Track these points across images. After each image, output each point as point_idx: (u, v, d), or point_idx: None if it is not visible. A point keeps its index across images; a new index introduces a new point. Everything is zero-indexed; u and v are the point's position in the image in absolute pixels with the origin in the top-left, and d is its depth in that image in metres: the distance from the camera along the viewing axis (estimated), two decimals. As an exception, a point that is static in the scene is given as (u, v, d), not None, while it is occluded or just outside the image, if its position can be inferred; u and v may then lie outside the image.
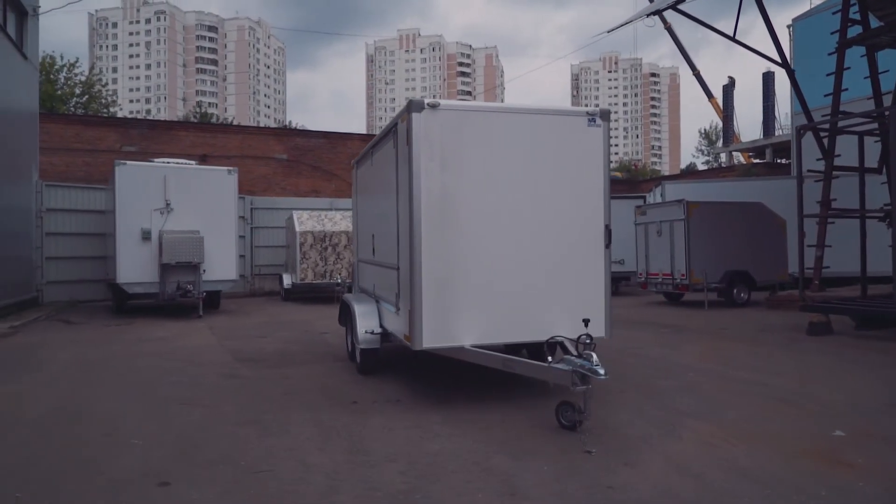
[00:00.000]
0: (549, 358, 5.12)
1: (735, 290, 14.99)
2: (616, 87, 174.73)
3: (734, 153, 49.13)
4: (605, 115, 6.01)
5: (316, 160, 28.59)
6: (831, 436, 4.93)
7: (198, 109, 56.94)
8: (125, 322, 12.81)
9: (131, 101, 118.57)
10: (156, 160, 14.90)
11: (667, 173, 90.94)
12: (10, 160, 14.98)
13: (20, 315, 13.97)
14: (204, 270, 13.71)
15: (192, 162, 15.56)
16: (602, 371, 4.70)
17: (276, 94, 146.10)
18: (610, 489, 3.88)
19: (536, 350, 6.17)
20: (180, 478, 4.03)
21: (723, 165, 48.91)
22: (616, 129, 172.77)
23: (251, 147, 27.21)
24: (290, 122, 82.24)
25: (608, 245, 6.03)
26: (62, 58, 40.74)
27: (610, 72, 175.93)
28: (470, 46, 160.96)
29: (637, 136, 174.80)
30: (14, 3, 15.12)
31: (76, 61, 41.01)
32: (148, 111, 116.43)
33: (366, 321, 7.02)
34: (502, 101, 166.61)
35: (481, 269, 5.71)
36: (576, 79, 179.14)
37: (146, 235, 13.49)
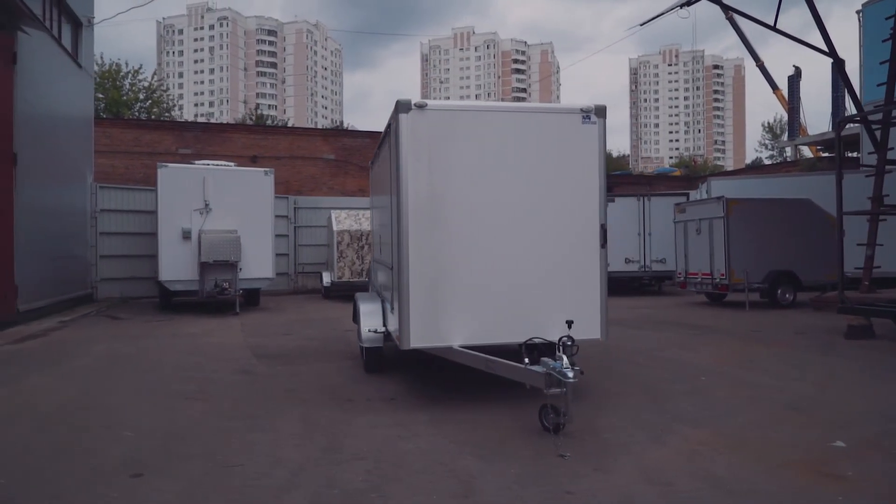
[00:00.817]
0: (526, 360, 5.04)
1: (779, 291, 14.33)
2: (676, 81, 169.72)
3: (800, 147, 46.90)
4: (601, 111, 5.87)
5: (363, 160, 28.95)
6: (830, 446, 4.67)
7: (253, 111, 58.75)
8: (166, 318, 13.39)
9: (196, 105, 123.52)
10: (196, 162, 15.48)
11: (731, 169, 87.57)
12: (67, 164, 15.88)
13: (74, 310, 14.81)
14: (240, 269, 14.16)
15: (232, 163, 16.06)
16: (571, 374, 4.59)
17: (332, 94, 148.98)
18: (569, 494, 3.81)
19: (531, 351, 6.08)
20: (155, 469, 4.20)
21: (787, 160, 46.79)
22: (677, 123, 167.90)
23: (300, 148, 27.85)
24: (342, 122, 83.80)
25: (604, 245, 5.90)
26: (127, 65, 42.86)
27: (670, 65, 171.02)
28: (525, 43, 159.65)
29: (699, 131, 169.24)
30: (69, 14, 16.01)
31: (140, 68, 42.99)
32: (211, 114, 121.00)
33: (370, 320, 7.10)
34: (558, 97, 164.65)
35: (471, 269, 5.68)
36: (634, 73, 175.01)
37: (186, 235, 14.04)
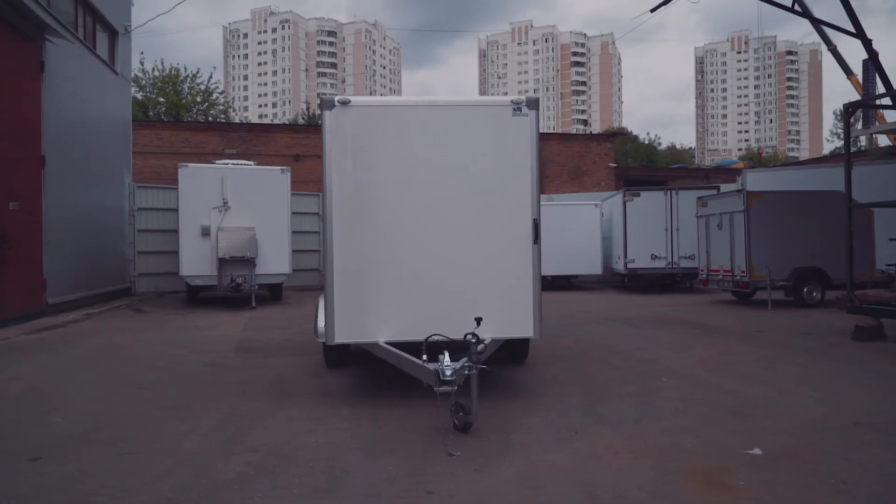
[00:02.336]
0: (424, 357, 4.98)
1: (805, 289, 13.53)
2: (746, 69, 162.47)
3: (876, 135, 44.01)
4: (533, 103, 5.73)
5: None
6: (745, 454, 4.41)
7: (305, 111, 60.25)
8: (185, 312, 13.96)
9: (260, 106, 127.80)
10: (217, 162, 16.04)
11: (806, 159, 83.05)
12: (105, 165, 16.81)
13: (107, 304, 15.68)
14: (255, 265, 14.60)
15: (251, 163, 16.55)
16: (449, 373, 4.52)
17: (391, 93, 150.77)
18: (428, 494, 3.76)
19: (459, 348, 5.99)
20: (55, 454, 4.42)
21: (861, 149, 44.01)
22: (746, 113, 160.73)
23: None
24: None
25: (537, 240, 5.75)
26: (185, 69, 44.77)
27: (739, 52, 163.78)
28: (584, 35, 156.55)
29: (770, 122, 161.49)
30: (104, 23, 16.90)
31: (197, 72, 44.80)
32: (275, 115, 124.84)
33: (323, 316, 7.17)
34: (619, 89, 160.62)
35: (397, 265, 5.67)
36: (700, 62, 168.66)
37: (205, 232, 14.60)
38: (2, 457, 4.40)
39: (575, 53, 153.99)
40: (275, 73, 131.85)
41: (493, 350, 5.90)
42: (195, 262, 14.61)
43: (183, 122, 35.24)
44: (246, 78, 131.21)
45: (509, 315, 5.73)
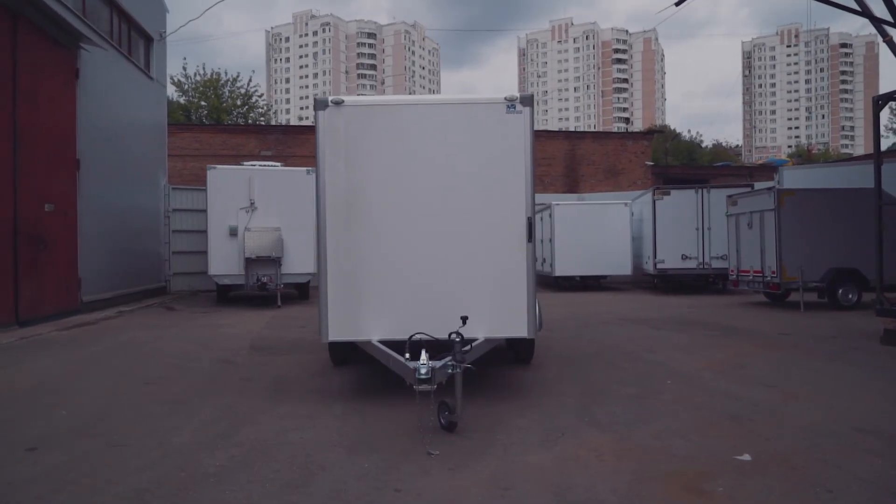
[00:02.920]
0: (407, 355, 4.97)
1: (840, 291, 12.99)
2: (797, 63, 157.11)
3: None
4: (527, 100, 5.67)
5: None
6: (733, 459, 4.27)
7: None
8: (212, 310, 14.32)
9: (301, 108, 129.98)
10: (244, 163, 16.39)
11: (860, 155, 79.80)
12: (140, 167, 17.39)
13: (142, 301, 16.22)
14: (281, 264, 14.87)
15: (278, 164, 16.85)
16: (424, 371, 4.50)
17: (430, 93, 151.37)
18: (396, 492, 3.76)
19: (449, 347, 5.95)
20: (51, 445, 4.60)
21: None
22: (796, 109, 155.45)
23: None
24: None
25: (531, 239, 5.69)
26: (226, 73, 45.91)
27: (788, 46, 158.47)
28: (626, 32, 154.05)
29: (822, 117, 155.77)
30: (139, 31, 17.48)
31: (237, 76, 45.89)
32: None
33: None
34: (662, 86, 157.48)
35: (389, 265, 5.70)
36: (748, 57, 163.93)
37: (233, 232, 14.94)
38: (2, 445, 4.59)
39: (616, 51, 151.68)
40: (315, 75, 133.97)
41: (487, 349, 5.87)
42: (223, 262, 14.96)
43: (220, 124, 36.12)
44: (288, 81, 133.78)
45: (502, 314, 5.69)
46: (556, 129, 76.10)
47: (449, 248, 5.71)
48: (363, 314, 5.69)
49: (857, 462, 4.19)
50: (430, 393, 4.65)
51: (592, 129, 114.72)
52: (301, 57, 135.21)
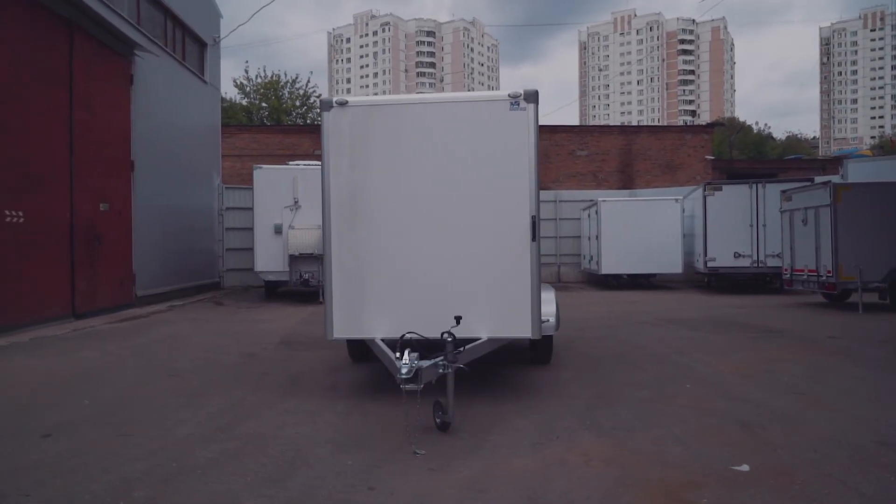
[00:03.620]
0: (397, 353, 4.96)
1: (904, 292, 12.14)
2: (882, 48, 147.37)
3: None
4: (531, 96, 5.55)
5: None
6: (729, 469, 4.07)
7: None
8: (257, 306, 14.80)
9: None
10: (290, 163, 16.81)
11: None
12: (194, 168, 18.14)
13: (195, 296, 16.93)
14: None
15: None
16: (405, 370, 4.48)
17: (489, 90, 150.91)
18: (370, 490, 3.78)
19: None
20: (65, 433, 4.86)
21: None
22: (881, 97, 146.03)
23: None
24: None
25: (535, 237, 5.58)
26: (285, 75, 47.24)
27: (872, 30, 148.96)
28: (693, 21, 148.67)
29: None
30: (194, 37, 18.20)
31: (296, 78, 47.13)
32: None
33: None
34: (731, 77, 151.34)
35: (393, 263, 5.71)
36: (826, 43, 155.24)
37: (278, 230, 15.38)
38: (20, 433, 4.90)
39: (682, 41, 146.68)
40: (375, 74, 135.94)
41: (491, 349, 5.81)
42: (268, 259, 15.44)
43: (277, 125, 37.16)
44: (349, 81, 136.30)
45: (506, 314, 5.61)
46: (611, 124, 74.34)
47: (452, 247, 5.67)
48: (367, 312, 5.73)
49: (866, 478, 3.90)
50: (417, 392, 4.63)
51: (655, 123, 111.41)
52: (361, 57, 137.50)
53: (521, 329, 5.62)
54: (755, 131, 75.48)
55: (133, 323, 11.63)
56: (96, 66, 12.60)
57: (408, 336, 5.02)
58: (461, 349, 4.97)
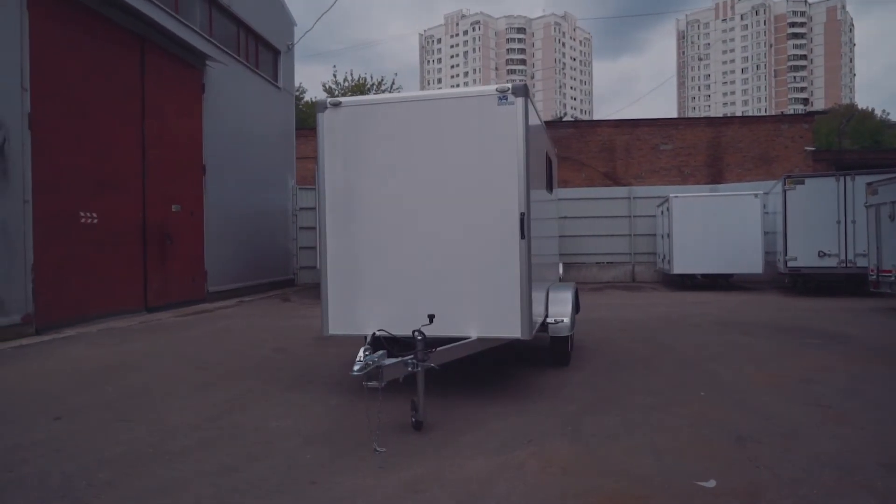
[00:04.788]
0: (367, 351, 4.96)
1: None
2: None
3: None
4: (520, 90, 5.41)
5: (565, 150, 28.83)
6: (693, 485, 3.79)
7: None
8: (316, 303, 15.30)
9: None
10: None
11: None
12: (268, 170, 19.07)
13: (266, 293, 17.82)
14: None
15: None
16: (357, 368, 4.46)
17: (581, 85, 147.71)
18: (312, 484, 3.84)
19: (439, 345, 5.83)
20: (73, 416, 5.29)
21: None
22: None
23: None
24: (564, 113, 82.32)
25: (524, 235, 5.42)
26: (371, 77, 48.56)
27: None
28: (805, 2, 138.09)
29: None
30: (267, 45, 19.11)
31: (381, 80, 48.39)
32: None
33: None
34: (850, 60, 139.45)
35: (385, 261, 5.75)
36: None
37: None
38: (37, 414, 5.38)
39: (792, 24, 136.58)
40: (466, 73, 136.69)
41: (480, 349, 5.71)
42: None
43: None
44: (440, 81, 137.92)
45: (495, 314, 5.50)
46: (698, 116, 70.32)
47: (442, 244, 5.63)
48: (360, 310, 5.81)
49: (841, 502, 3.50)
50: (379, 389, 4.64)
51: (760, 113, 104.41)
52: (452, 57, 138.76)
53: (510, 330, 5.49)
54: (879, 119, 68.89)
55: (196, 317, 12.40)
56: (167, 77, 13.54)
57: (378, 334, 5.03)
58: (433, 349, 4.93)
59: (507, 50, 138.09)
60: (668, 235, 18.17)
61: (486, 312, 5.53)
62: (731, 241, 17.23)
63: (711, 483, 3.79)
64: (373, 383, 4.59)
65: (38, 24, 9.86)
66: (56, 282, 10.13)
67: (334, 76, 45.59)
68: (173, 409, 5.53)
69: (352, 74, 53.50)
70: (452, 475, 3.98)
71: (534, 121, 6.06)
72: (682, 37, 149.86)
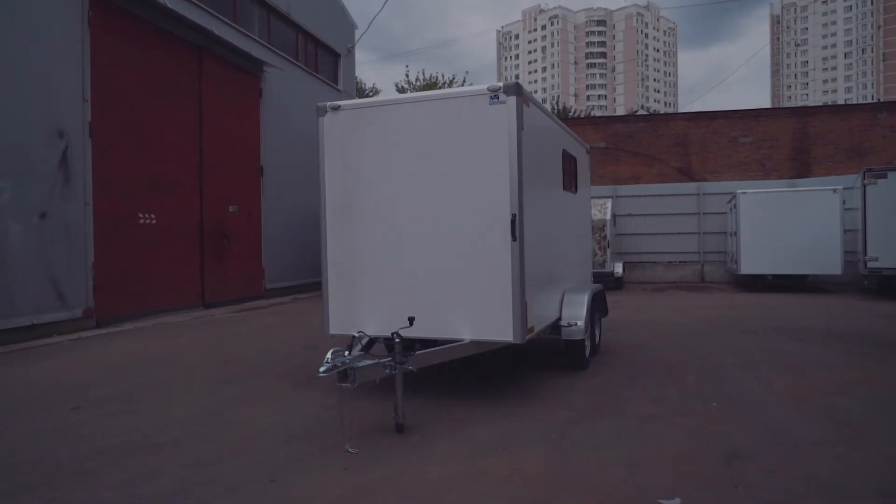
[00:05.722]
0: (347, 352, 4.97)
1: None
2: None
3: None
4: (512, 89, 5.27)
5: (636, 146, 28.00)
6: (657, 501, 3.58)
7: (553, 106, 60.51)
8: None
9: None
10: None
11: None
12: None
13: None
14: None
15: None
16: (322, 369, 4.47)
17: (665, 76, 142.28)
18: (270, 482, 3.93)
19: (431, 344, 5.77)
20: (90, 406, 5.66)
21: None
22: None
23: None
24: (639, 106, 79.32)
25: (516, 237, 5.30)
26: (442, 77, 48.94)
27: None
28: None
29: None
30: (326, 49, 19.64)
31: (453, 78, 48.65)
32: (552, 111, 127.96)
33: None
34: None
35: (380, 262, 5.78)
36: None
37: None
38: (59, 404, 5.79)
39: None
40: (544, 69, 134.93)
41: (475, 352, 5.62)
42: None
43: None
44: (517, 77, 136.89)
45: (487, 316, 5.41)
46: (781, 106, 65.85)
47: (436, 246, 5.59)
48: (358, 310, 5.87)
49: (812, 531, 3.20)
50: (349, 391, 4.67)
51: (867, 102, 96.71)
52: (530, 52, 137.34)
53: (503, 332, 5.38)
54: None
55: (248, 313, 12.95)
56: (225, 84, 14.19)
57: (356, 335, 5.06)
58: (412, 352, 4.91)
59: (587, 44, 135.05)
60: (735, 234, 17.21)
61: (478, 315, 5.45)
62: (806, 240, 16.10)
63: (675, 502, 3.57)
64: (346, 384, 4.63)
65: (98, 40, 10.60)
66: (116, 279, 10.87)
67: (406, 76, 46.21)
68: (181, 403, 5.80)
69: (423, 73, 54.03)
70: (411, 480, 3.95)
71: (536, 119, 5.91)
72: (776, 22, 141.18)
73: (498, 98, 5.30)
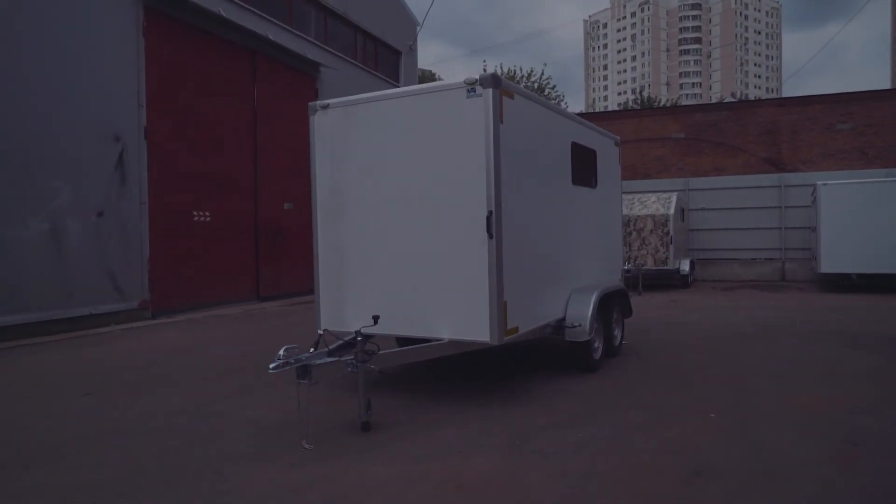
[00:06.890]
0: (312, 349, 4.97)
1: None
2: None
3: None
4: (489, 81, 5.09)
5: (718, 135, 26.58)
6: (586, 520, 3.37)
7: (639, 94, 58.25)
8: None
9: (619, 94, 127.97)
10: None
11: None
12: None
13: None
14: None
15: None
16: (272, 367, 4.48)
17: (767, 60, 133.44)
18: (215, 474, 4.03)
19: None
20: (99, 393, 6.04)
21: None
22: None
23: (646, 129, 27.26)
24: (736, 93, 74.32)
25: (492, 234, 5.12)
26: (520, 70, 48.44)
27: None
28: None
29: None
30: (386, 47, 19.89)
31: (531, 72, 48.12)
32: (635, 100, 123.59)
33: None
34: None
35: (365, 260, 5.78)
36: None
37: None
38: (76, 390, 6.21)
39: None
40: (633, 58, 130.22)
41: (454, 352, 5.50)
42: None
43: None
44: (605, 68, 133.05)
45: (464, 316, 5.28)
46: (886, 88, 59.65)
47: (416, 244, 5.51)
48: (346, 307, 5.90)
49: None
50: (308, 388, 4.68)
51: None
52: (618, 42, 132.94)
53: (479, 333, 5.23)
54: None
55: (299, 307, 13.38)
56: (279, 85, 14.70)
57: (320, 332, 5.07)
58: (375, 351, 4.87)
59: (680, 29, 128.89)
60: (814, 229, 15.88)
61: (457, 314, 5.33)
62: (891, 237, 14.60)
63: (609, 519, 3.33)
64: (304, 381, 4.66)
65: (152, 49, 11.27)
66: (171, 273, 11.54)
67: (484, 70, 45.94)
68: (181, 393, 6.07)
69: (501, 67, 53.55)
70: (347, 480, 3.92)
71: (525, 111, 5.69)
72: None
73: (475, 91, 5.14)
